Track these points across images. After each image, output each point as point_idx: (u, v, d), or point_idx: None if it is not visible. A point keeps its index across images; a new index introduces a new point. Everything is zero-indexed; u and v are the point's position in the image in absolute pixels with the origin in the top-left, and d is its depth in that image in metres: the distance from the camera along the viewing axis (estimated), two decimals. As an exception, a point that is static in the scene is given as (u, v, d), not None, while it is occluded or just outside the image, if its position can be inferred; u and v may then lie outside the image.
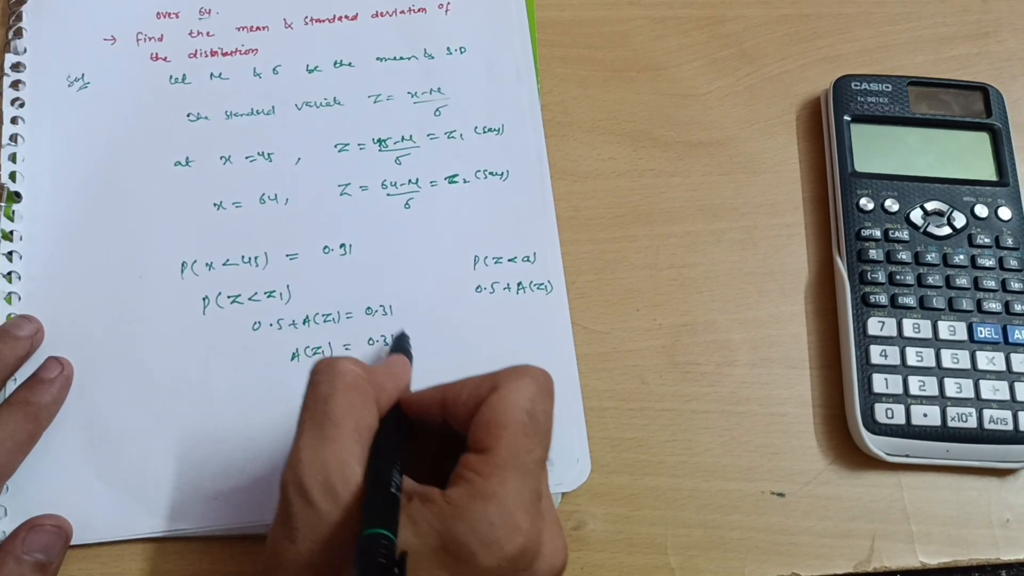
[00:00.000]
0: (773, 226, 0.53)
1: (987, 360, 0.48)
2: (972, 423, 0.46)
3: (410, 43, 0.55)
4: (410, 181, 0.52)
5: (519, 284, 0.50)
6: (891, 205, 0.51)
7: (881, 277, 0.49)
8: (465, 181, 0.52)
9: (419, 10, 0.56)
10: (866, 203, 0.51)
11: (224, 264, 0.50)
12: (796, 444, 0.48)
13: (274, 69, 0.54)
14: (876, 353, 0.48)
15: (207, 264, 0.49)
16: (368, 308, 0.49)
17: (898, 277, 0.49)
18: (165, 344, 0.48)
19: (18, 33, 0.53)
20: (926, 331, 0.48)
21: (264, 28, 0.55)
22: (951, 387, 0.47)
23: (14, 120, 0.51)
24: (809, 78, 0.56)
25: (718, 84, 0.56)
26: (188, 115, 0.53)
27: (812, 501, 0.47)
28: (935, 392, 0.47)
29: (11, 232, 0.49)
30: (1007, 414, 0.47)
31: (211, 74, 0.54)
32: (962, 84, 0.54)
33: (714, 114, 0.55)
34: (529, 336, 0.49)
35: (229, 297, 0.49)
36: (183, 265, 0.49)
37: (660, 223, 0.52)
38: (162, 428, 0.46)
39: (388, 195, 0.52)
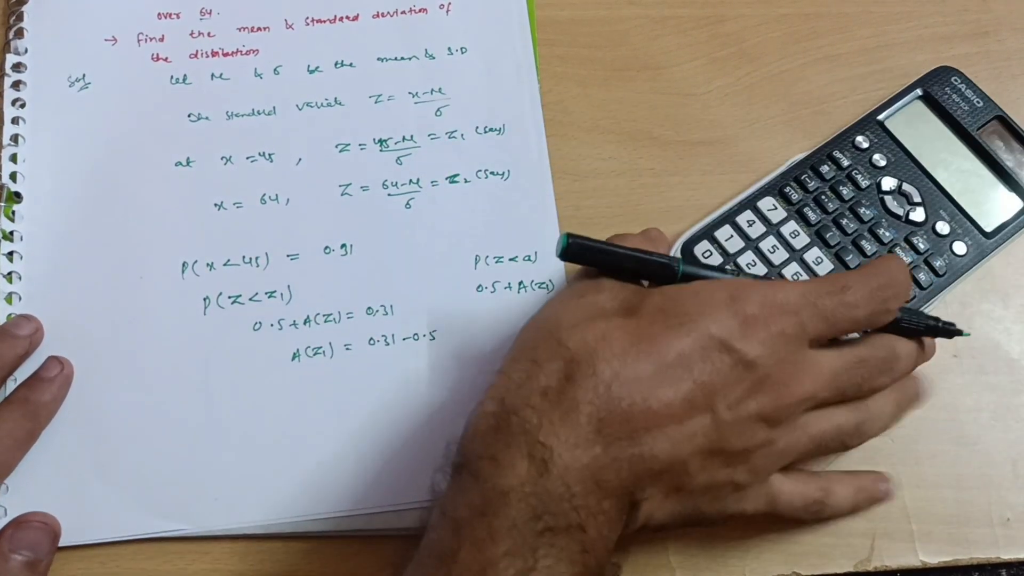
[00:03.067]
0: (773, 225, 0.53)
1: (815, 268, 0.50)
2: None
3: (411, 43, 0.55)
4: (411, 181, 0.52)
5: (520, 283, 0.50)
6: (878, 160, 0.51)
7: (812, 185, 0.51)
8: (466, 181, 0.52)
9: (420, 10, 0.56)
10: (861, 141, 0.52)
11: (225, 264, 0.50)
12: (796, 443, 0.48)
13: (275, 69, 0.54)
14: (743, 220, 0.50)
15: (208, 264, 0.50)
16: (369, 308, 0.49)
17: (823, 198, 0.50)
18: (165, 344, 0.48)
19: (19, 33, 0.53)
20: (798, 240, 0.50)
21: (265, 29, 0.55)
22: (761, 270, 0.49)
23: (15, 120, 0.51)
24: (809, 77, 0.56)
25: (718, 83, 0.56)
26: (189, 115, 0.53)
27: (812, 500, 0.47)
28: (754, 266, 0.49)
29: (11, 232, 0.49)
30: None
31: (212, 74, 0.54)
32: None
33: (714, 113, 0.55)
34: (529, 336, 0.49)
35: (230, 297, 0.49)
36: (184, 265, 0.49)
37: (660, 222, 0.52)
38: (162, 428, 0.47)
39: (389, 195, 0.52)
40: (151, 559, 0.45)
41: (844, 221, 0.50)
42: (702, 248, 0.50)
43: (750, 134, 0.55)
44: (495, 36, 0.55)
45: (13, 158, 0.51)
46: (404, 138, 0.53)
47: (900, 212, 0.50)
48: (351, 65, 0.55)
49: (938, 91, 0.53)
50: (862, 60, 0.57)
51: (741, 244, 0.50)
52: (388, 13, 0.56)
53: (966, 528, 0.47)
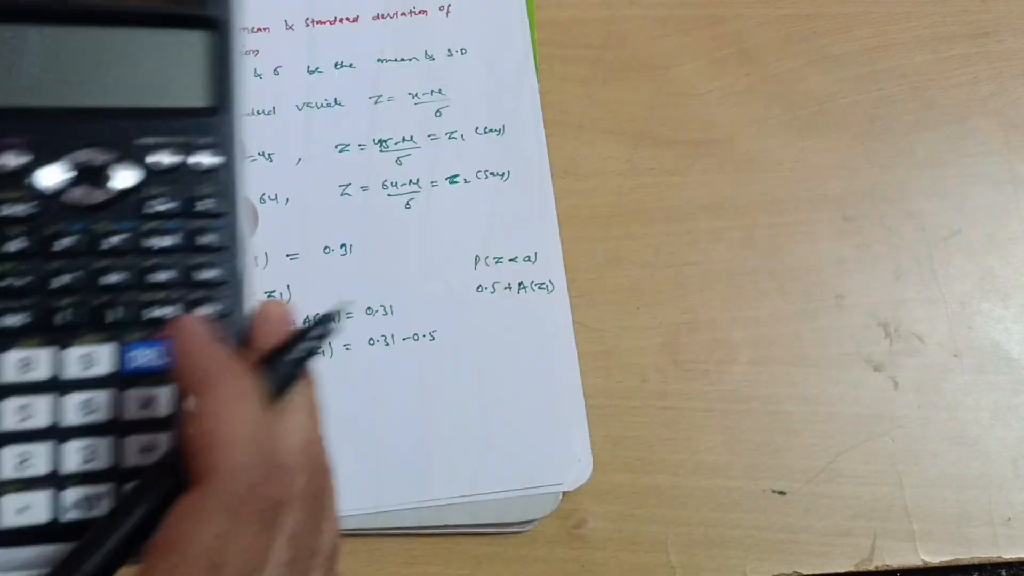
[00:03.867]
0: (773, 224, 0.53)
1: (137, 404, 0.29)
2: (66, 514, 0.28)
3: (411, 44, 0.55)
4: (411, 181, 0.52)
5: (520, 284, 0.50)
6: (15, 161, 0.30)
7: None
8: (466, 181, 0.52)
9: (420, 12, 0.56)
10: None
11: (225, 264, 0.50)
12: (797, 442, 0.48)
13: (275, 70, 0.54)
14: None
15: (208, 264, 0.50)
16: (368, 308, 0.49)
17: (8, 282, 0.29)
18: (166, 343, 0.48)
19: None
20: (44, 367, 0.29)
21: (265, 29, 0.55)
22: (72, 458, 0.28)
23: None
24: (809, 77, 0.56)
25: (718, 83, 0.56)
26: (189, 115, 0.53)
27: (813, 499, 0.47)
28: (49, 468, 0.28)
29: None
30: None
31: (212, 75, 0.54)
32: None
33: (714, 113, 0.55)
34: (530, 336, 0.49)
35: (230, 297, 0.49)
36: (184, 264, 0.49)
37: (660, 222, 0.52)
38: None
39: (389, 195, 0.52)
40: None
41: (70, 276, 0.30)
42: None
43: (750, 134, 0.55)
44: (495, 37, 0.55)
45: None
46: (404, 139, 0.53)
47: (100, 197, 0.30)
48: (351, 66, 0.55)
49: None
50: (862, 60, 0.57)
51: None
52: (388, 15, 0.56)
53: (967, 527, 0.47)
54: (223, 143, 0.31)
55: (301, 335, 0.30)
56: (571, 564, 0.46)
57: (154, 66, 0.32)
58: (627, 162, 0.54)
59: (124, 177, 0.30)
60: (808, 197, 0.53)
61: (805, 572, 0.46)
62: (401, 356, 0.48)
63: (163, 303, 0.30)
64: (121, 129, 0.30)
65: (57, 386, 0.29)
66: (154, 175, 0.30)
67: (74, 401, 0.29)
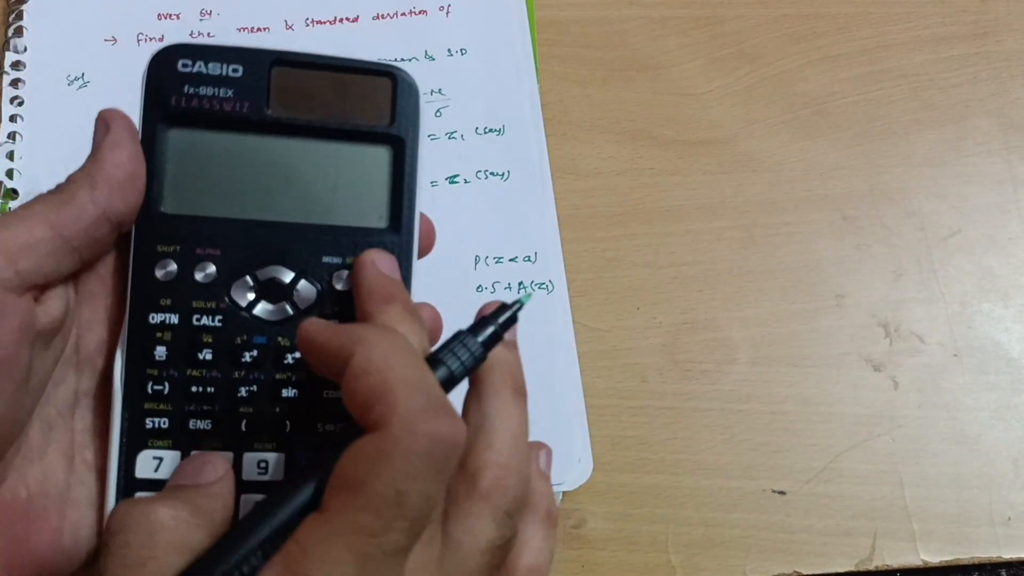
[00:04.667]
0: (772, 224, 0.53)
1: None
2: None
3: (411, 45, 0.55)
4: (410, 181, 0.52)
5: (520, 284, 0.50)
6: (206, 272, 0.31)
7: (169, 388, 0.31)
8: (466, 181, 0.52)
9: (420, 12, 0.56)
10: (168, 268, 0.31)
11: (224, 263, 0.50)
12: (797, 442, 0.48)
13: (275, 69, 0.54)
14: None
15: (207, 263, 0.50)
16: (368, 307, 0.49)
17: (195, 388, 0.31)
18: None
19: (19, 32, 0.53)
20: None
21: (265, 29, 0.55)
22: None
23: (13, 118, 0.51)
24: (809, 77, 0.56)
25: (717, 83, 0.56)
26: (189, 115, 0.53)
27: (813, 499, 0.47)
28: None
29: (11, 231, 0.49)
30: None
31: (212, 74, 0.54)
32: (359, 67, 0.33)
33: (713, 113, 0.55)
34: (530, 336, 0.49)
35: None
36: (183, 264, 0.49)
37: (660, 221, 0.52)
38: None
39: (388, 195, 0.52)
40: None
41: (250, 387, 0.31)
42: None
43: (750, 134, 0.55)
44: (495, 37, 0.55)
45: (10, 155, 0.51)
46: (404, 139, 0.53)
47: (283, 313, 0.32)
48: (351, 66, 0.55)
49: (183, 102, 0.32)
50: (862, 60, 0.57)
51: None
52: (388, 15, 0.56)
53: (967, 527, 0.47)
54: (399, 260, 0.33)
55: (485, 320, 0.31)
56: (571, 564, 0.46)
57: (339, 184, 0.33)
58: (627, 162, 0.54)
59: (307, 295, 0.32)
60: (808, 197, 0.53)
61: (805, 572, 0.46)
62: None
63: (332, 420, 0.32)
64: (307, 246, 0.32)
65: (236, 487, 0.30)
66: (334, 294, 0.32)
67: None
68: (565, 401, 0.48)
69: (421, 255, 0.35)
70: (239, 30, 0.55)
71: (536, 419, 0.48)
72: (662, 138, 0.54)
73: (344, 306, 0.32)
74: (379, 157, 0.33)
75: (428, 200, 0.51)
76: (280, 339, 0.31)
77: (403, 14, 0.56)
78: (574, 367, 0.49)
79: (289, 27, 0.55)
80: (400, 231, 0.33)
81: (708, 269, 0.52)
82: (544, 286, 0.50)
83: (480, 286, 0.50)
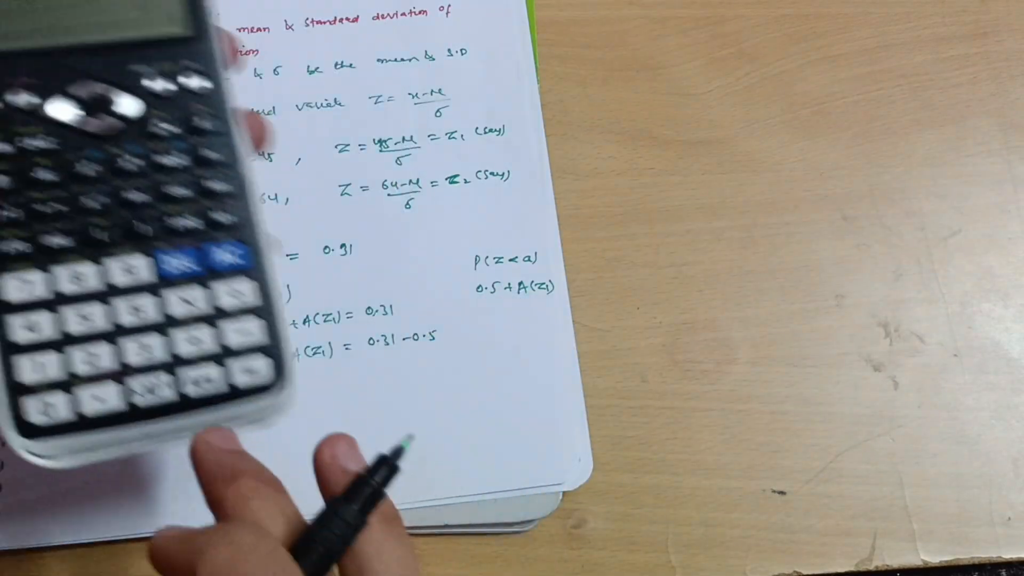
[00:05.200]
0: (772, 224, 0.53)
1: (180, 302, 0.33)
2: (169, 392, 0.32)
3: (411, 44, 0.55)
4: (411, 181, 0.52)
5: (520, 284, 0.50)
6: (21, 98, 0.32)
7: (18, 214, 0.32)
8: (466, 181, 0.52)
9: (420, 12, 0.56)
10: None
11: (225, 263, 0.50)
12: (797, 442, 0.48)
13: (275, 70, 0.54)
14: (19, 328, 0.31)
15: (208, 264, 0.50)
16: (368, 308, 0.49)
17: (42, 208, 0.32)
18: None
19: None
20: (90, 279, 0.32)
21: (265, 29, 0.55)
22: (133, 352, 0.32)
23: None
24: (808, 77, 0.56)
25: (717, 83, 0.56)
26: (188, 115, 0.53)
27: (813, 499, 0.47)
28: (113, 364, 0.32)
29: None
30: (213, 370, 0.33)
31: (212, 74, 0.54)
32: None
33: (713, 113, 0.55)
34: (530, 336, 0.49)
35: (230, 296, 0.49)
36: (183, 264, 0.49)
37: (660, 221, 0.52)
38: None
39: (389, 195, 0.52)
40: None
41: (95, 199, 0.33)
42: None
43: (750, 134, 0.55)
44: (495, 37, 0.55)
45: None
46: (404, 139, 0.53)
47: (111, 125, 0.33)
48: (351, 66, 0.55)
49: None
50: (862, 60, 0.57)
51: None
52: (388, 15, 0.56)
53: (967, 527, 0.47)
54: (209, 67, 0.34)
55: (362, 480, 0.30)
56: (571, 564, 0.46)
57: (134, 2, 0.34)
58: (627, 162, 0.54)
59: (128, 105, 0.33)
60: (808, 197, 0.53)
61: (805, 572, 0.46)
62: (401, 356, 0.48)
63: (181, 215, 0.33)
64: (112, 62, 0.33)
65: (102, 294, 0.32)
66: (153, 101, 0.33)
67: (123, 303, 0.32)
68: (565, 401, 0.48)
69: (256, 147, 0.36)
70: (239, 30, 0.55)
71: (536, 419, 0.48)
72: (662, 138, 0.54)
73: (167, 110, 0.33)
74: None
75: (428, 200, 0.51)
76: (114, 150, 0.33)
77: (403, 14, 0.56)
78: (574, 367, 0.49)
79: (289, 27, 0.55)
80: (203, 36, 0.35)
81: (708, 269, 0.52)
82: (544, 286, 0.50)
83: (480, 286, 0.50)
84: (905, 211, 0.53)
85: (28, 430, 0.31)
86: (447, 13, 0.56)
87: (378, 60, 0.55)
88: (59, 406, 0.31)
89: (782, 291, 0.51)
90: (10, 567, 0.44)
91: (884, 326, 0.51)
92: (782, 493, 0.48)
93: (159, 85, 0.33)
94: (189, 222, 0.33)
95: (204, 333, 0.33)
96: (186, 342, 0.33)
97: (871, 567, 0.46)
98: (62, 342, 0.31)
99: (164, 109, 0.33)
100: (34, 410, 0.31)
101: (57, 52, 0.33)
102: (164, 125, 0.33)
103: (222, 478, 0.29)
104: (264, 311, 0.34)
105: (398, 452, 0.31)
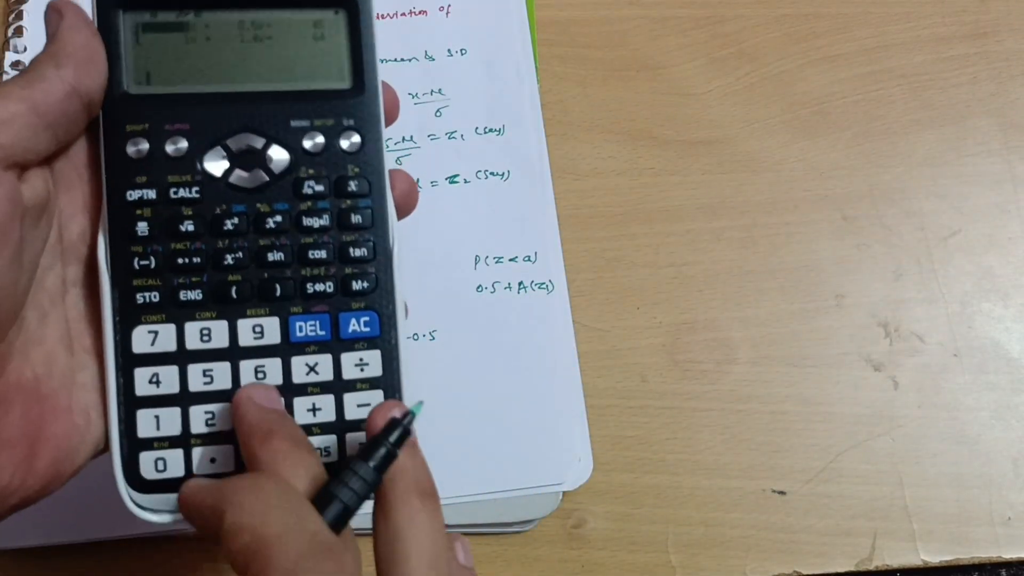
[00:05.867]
0: (772, 224, 0.53)
1: (305, 369, 0.32)
2: None
3: (411, 45, 0.55)
4: (410, 181, 0.52)
5: (520, 284, 0.50)
6: (177, 146, 0.32)
7: (155, 262, 0.31)
8: (466, 181, 0.52)
9: (420, 12, 0.56)
10: (139, 146, 0.32)
11: (224, 263, 0.50)
12: (797, 442, 0.48)
13: (275, 70, 0.54)
14: (143, 380, 0.31)
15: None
16: (368, 307, 0.49)
17: (181, 260, 0.31)
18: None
19: (18, 32, 0.53)
20: (220, 337, 0.32)
21: (265, 29, 0.55)
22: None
23: (15, 120, 0.51)
24: (808, 77, 0.56)
25: (717, 83, 0.56)
26: (189, 115, 0.53)
27: (813, 499, 0.47)
28: (229, 425, 0.31)
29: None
30: (330, 440, 0.33)
31: (212, 74, 0.54)
32: None
33: (713, 113, 0.55)
34: (530, 335, 0.49)
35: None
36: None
37: (660, 221, 0.52)
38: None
39: (389, 195, 0.52)
40: (150, 558, 0.45)
41: (235, 256, 0.32)
42: None
43: (750, 134, 0.55)
44: (495, 37, 0.55)
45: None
46: (404, 139, 0.53)
47: (260, 180, 0.33)
48: (351, 66, 0.55)
49: None
50: (862, 60, 0.57)
51: None
52: (388, 15, 0.56)
53: (967, 527, 0.47)
54: (366, 123, 0.33)
55: (376, 441, 0.30)
56: (571, 564, 0.46)
57: (299, 49, 0.33)
58: (627, 162, 0.54)
59: (280, 159, 0.32)
60: (808, 197, 0.53)
61: (805, 572, 0.46)
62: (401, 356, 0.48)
63: (319, 279, 0.32)
64: (274, 112, 0.32)
65: (231, 354, 0.32)
66: (307, 157, 0.33)
67: (249, 365, 0.32)
68: (565, 401, 0.48)
69: (388, 122, 0.35)
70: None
71: (536, 419, 0.48)
72: (662, 138, 0.54)
73: (317, 168, 0.33)
74: (335, 19, 0.34)
75: (428, 200, 0.51)
76: (259, 205, 0.32)
77: (403, 14, 0.56)
78: (574, 367, 0.49)
79: (289, 27, 0.55)
80: (364, 91, 0.34)
81: (708, 269, 0.52)
82: (544, 286, 0.50)
83: (480, 286, 0.50)
84: (905, 211, 0.53)
85: (138, 483, 0.31)
86: (447, 13, 0.56)
87: (378, 60, 0.55)
88: (172, 463, 0.31)
89: (782, 291, 0.51)
90: (10, 567, 0.44)
91: (884, 326, 0.51)
92: (782, 493, 0.48)
93: (316, 140, 0.33)
94: (326, 287, 0.32)
95: (324, 401, 0.32)
96: (306, 411, 0.32)
97: (871, 567, 0.46)
98: (183, 398, 0.31)
99: (315, 166, 0.33)
100: (148, 465, 0.31)
101: (220, 98, 0.32)
102: (313, 183, 0.32)
103: (259, 435, 0.29)
104: (385, 382, 0.33)
105: (410, 415, 0.31)
